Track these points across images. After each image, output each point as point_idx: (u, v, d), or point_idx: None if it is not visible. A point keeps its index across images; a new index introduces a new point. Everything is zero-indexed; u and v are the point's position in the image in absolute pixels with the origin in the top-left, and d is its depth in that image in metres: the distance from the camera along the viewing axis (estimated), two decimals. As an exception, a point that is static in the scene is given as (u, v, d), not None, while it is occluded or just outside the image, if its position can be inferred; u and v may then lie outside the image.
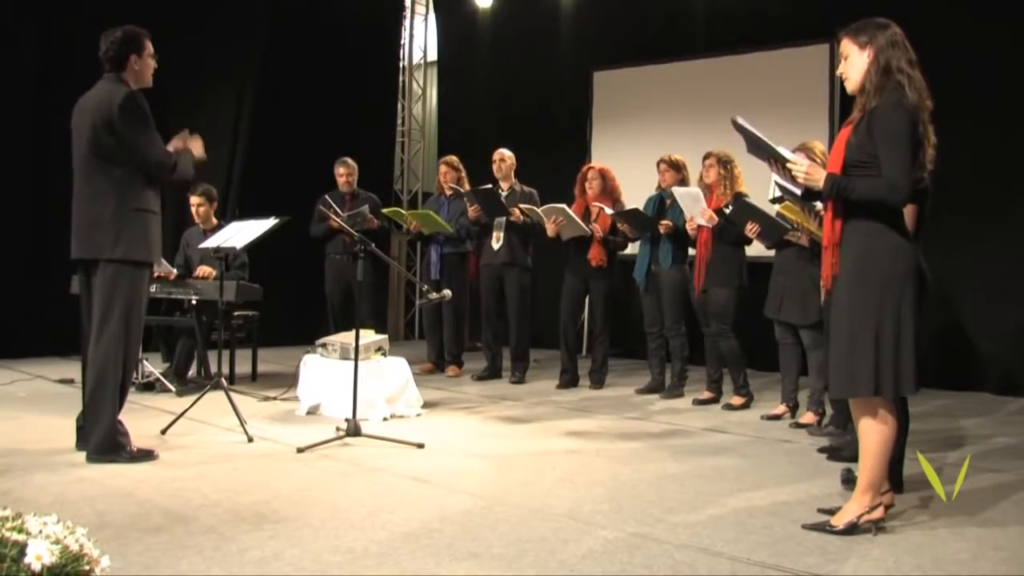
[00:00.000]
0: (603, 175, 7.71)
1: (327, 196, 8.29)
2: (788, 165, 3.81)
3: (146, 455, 4.86)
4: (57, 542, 2.05)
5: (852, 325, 3.66)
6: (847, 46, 3.78)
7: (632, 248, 7.79)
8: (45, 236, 8.51)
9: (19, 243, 8.67)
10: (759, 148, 3.91)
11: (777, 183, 4.16)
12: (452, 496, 4.30)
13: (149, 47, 5.03)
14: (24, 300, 8.60)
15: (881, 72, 3.66)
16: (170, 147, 5.03)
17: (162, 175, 4.94)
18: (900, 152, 3.57)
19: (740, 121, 3.93)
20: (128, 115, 4.79)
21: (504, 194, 8.23)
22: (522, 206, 7.85)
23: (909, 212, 4.02)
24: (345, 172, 8.61)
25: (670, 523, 3.88)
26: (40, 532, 2.06)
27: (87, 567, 2.09)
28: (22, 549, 2.00)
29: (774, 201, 5.76)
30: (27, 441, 5.25)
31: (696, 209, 6.82)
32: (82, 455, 4.82)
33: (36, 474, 4.49)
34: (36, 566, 1.98)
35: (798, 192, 3.91)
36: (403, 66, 12.86)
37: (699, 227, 6.82)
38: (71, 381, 7.31)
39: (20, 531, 2.04)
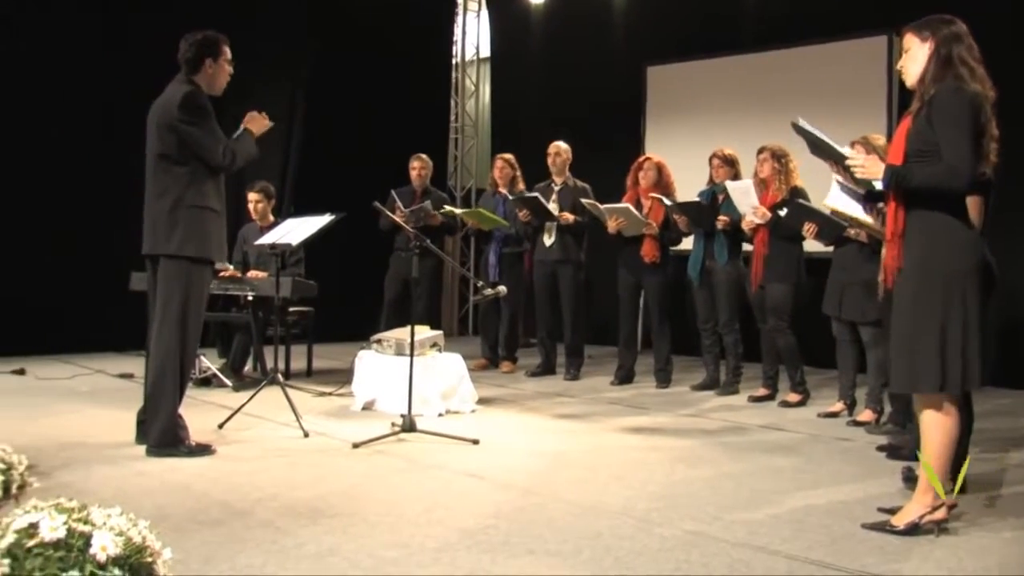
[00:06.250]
0: (659, 168, 7.64)
1: (393, 191, 8.31)
2: (847, 163, 3.75)
3: (204, 449, 4.90)
4: (121, 534, 2.07)
5: (916, 319, 3.59)
6: (909, 40, 3.73)
7: (686, 243, 7.73)
8: (106, 234, 8.62)
9: (81, 241, 8.80)
10: (820, 150, 3.86)
11: (838, 182, 4.10)
12: (507, 492, 4.30)
13: (227, 53, 5.09)
14: (85, 297, 8.73)
15: (942, 63, 3.61)
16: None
17: (224, 168, 4.97)
18: (961, 137, 3.51)
19: (801, 123, 3.88)
20: (187, 112, 4.85)
21: (557, 188, 8.21)
22: (585, 201, 7.80)
23: (974, 205, 3.95)
24: (418, 166, 8.63)
25: (726, 521, 3.84)
26: (104, 524, 2.08)
27: (150, 559, 2.10)
28: (87, 540, 2.02)
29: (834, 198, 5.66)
30: (89, 435, 5.33)
31: (747, 203, 6.76)
32: (142, 449, 4.89)
33: (97, 467, 4.56)
34: (101, 557, 2.00)
35: (861, 192, 3.86)
36: (455, 63, 12.87)
37: (756, 224, 6.75)
38: (131, 376, 7.42)
39: (85, 522, 2.06)
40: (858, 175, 3.74)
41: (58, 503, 2.14)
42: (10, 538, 2.02)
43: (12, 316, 8.24)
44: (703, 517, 3.90)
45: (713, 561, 3.33)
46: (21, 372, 7.56)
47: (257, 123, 5.19)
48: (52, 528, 2.02)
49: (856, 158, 3.74)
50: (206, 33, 5.04)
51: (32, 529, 2.03)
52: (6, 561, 1.99)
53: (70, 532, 2.03)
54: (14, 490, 2.83)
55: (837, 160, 3.81)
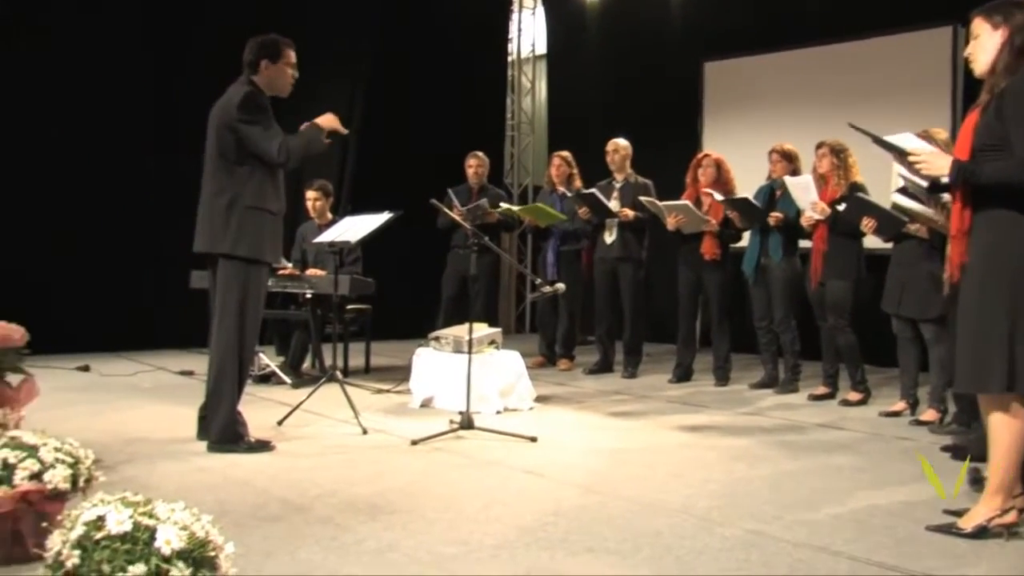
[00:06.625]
0: (718, 164, 7.56)
1: (450, 189, 8.33)
2: (910, 158, 3.67)
3: (263, 446, 4.96)
4: (185, 528, 2.10)
5: (983, 317, 3.50)
6: (979, 26, 3.59)
7: (745, 240, 7.65)
8: (166, 233, 8.74)
9: (141, 240, 8.93)
10: (880, 146, 3.79)
11: (901, 175, 4.03)
12: (566, 490, 4.29)
13: (288, 56, 5.11)
14: (146, 295, 8.87)
15: (1015, 52, 3.47)
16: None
17: (280, 164, 4.99)
18: None
19: (857, 125, 3.81)
20: (245, 111, 4.89)
21: (618, 185, 8.17)
22: (643, 199, 7.75)
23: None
24: (475, 164, 8.64)
25: (787, 521, 3.80)
26: (168, 518, 2.11)
27: (212, 553, 2.13)
28: (152, 533, 2.05)
29: (899, 191, 5.55)
30: (151, 430, 5.41)
31: (807, 199, 6.68)
32: (203, 445, 4.95)
33: (160, 462, 4.63)
34: (166, 550, 2.03)
35: (924, 184, 3.78)
36: (511, 60, 12.87)
37: (816, 221, 6.67)
38: (191, 373, 7.51)
39: (151, 516, 2.09)
40: (923, 171, 3.65)
41: (124, 497, 2.18)
42: (79, 530, 2.06)
43: (77, 314, 8.39)
44: (763, 516, 3.86)
45: (774, 561, 3.30)
46: (86, 369, 7.69)
47: (329, 120, 5.19)
48: (119, 521, 2.06)
49: (920, 153, 3.66)
50: (268, 36, 5.09)
51: (100, 522, 2.07)
52: (76, 552, 2.03)
53: (136, 526, 2.06)
54: (81, 483, 2.88)
55: (899, 153, 3.73)
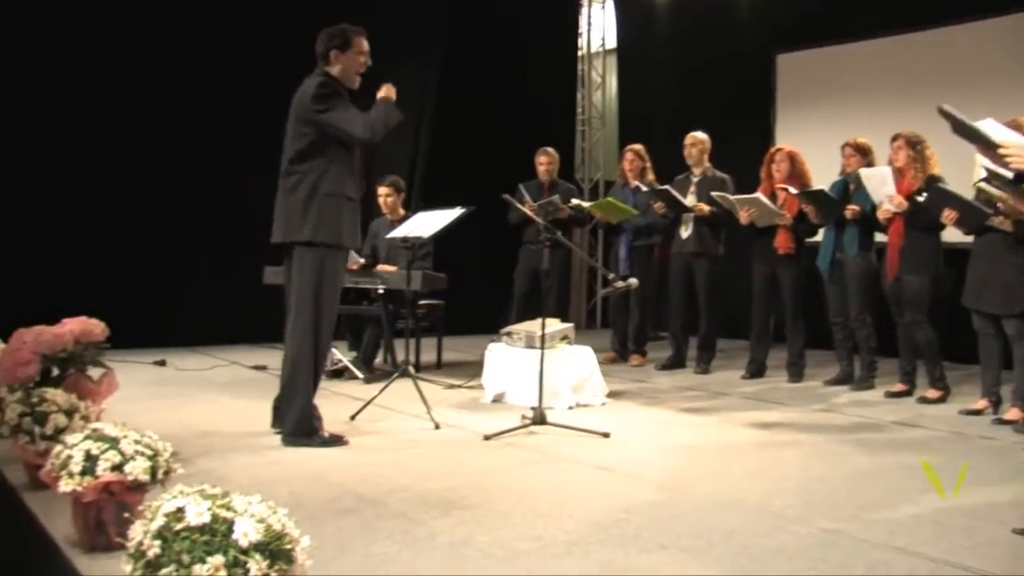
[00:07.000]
0: (792, 158, 7.44)
1: (521, 185, 8.33)
2: (1000, 151, 3.56)
3: (337, 440, 4.98)
4: (261, 521, 2.12)
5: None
6: None
7: (820, 235, 7.53)
8: (239, 229, 8.87)
9: (215, 237, 9.07)
10: (966, 134, 3.70)
11: (985, 167, 3.93)
12: (638, 486, 4.27)
13: (359, 45, 5.12)
14: (220, 291, 9.01)
15: None
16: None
17: (368, 141, 5.04)
18: None
19: (947, 108, 3.72)
20: (320, 101, 4.94)
21: (695, 179, 8.09)
22: (715, 194, 7.68)
23: None
24: (545, 160, 8.64)
25: (865, 520, 3.73)
26: (246, 511, 2.13)
27: (289, 546, 2.15)
28: (230, 526, 2.07)
29: (983, 180, 5.42)
30: (226, 423, 5.48)
31: (883, 192, 6.55)
32: (277, 438, 5.00)
33: (235, 455, 4.69)
34: (243, 542, 2.05)
35: (1010, 175, 3.68)
36: (581, 55, 12.83)
37: (892, 214, 6.55)
38: (264, 368, 7.59)
39: (228, 509, 2.11)
40: (1013, 165, 3.54)
41: (202, 489, 2.20)
42: (160, 521, 2.09)
43: (153, 310, 8.54)
44: (841, 516, 3.80)
45: (851, 561, 3.24)
46: (162, 363, 7.82)
47: (389, 90, 5.16)
48: (198, 513, 2.08)
49: (1011, 148, 3.54)
50: (339, 26, 5.12)
51: (179, 513, 2.09)
52: (157, 543, 2.06)
53: (214, 518, 2.09)
54: (160, 475, 2.92)
55: (988, 147, 3.62)
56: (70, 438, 3.00)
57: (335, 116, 4.95)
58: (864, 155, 7.04)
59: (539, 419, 5.40)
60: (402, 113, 5.18)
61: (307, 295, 4.96)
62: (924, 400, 6.59)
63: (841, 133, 7.46)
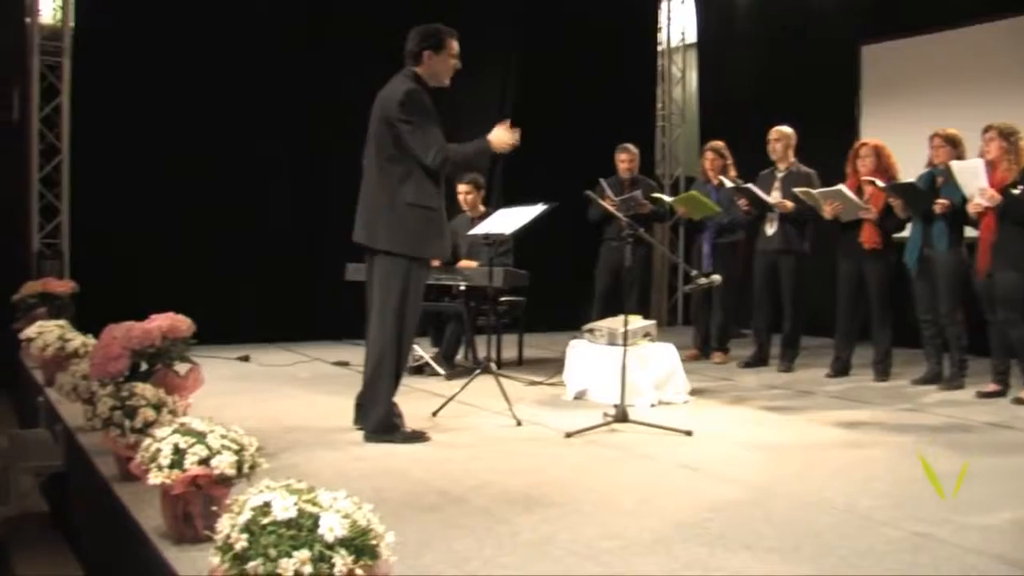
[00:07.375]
0: (877, 152, 7.27)
1: (602, 181, 8.29)
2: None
3: (419, 436, 5.00)
4: (347, 516, 2.12)
5: None
6: None
7: (907, 230, 7.35)
8: (322, 227, 8.97)
9: (298, 234, 9.18)
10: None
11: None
12: (722, 485, 4.21)
13: (451, 46, 5.12)
14: (303, 288, 9.12)
15: None
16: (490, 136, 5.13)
17: (434, 169, 4.99)
18: None
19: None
20: (406, 111, 4.93)
21: (780, 175, 7.96)
22: (797, 190, 7.54)
23: None
24: (626, 158, 8.61)
25: (957, 524, 3.61)
26: (331, 506, 2.13)
27: (374, 541, 2.14)
28: (316, 520, 2.08)
29: None
30: (309, 419, 5.54)
31: (975, 185, 6.37)
32: (359, 434, 5.03)
33: (318, 450, 4.73)
34: (329, 537, 2.05)
35: None
36: (661, 50, 12.74)
37: (984, 208, 6.36)
38: (346, 363, 7.67)
39: (314, 504, 2.12)
40: None
41: (288, 484, 2.21)
42: (247, 515, 2.10)
43: (237, 307, 8.68)
44: (931, 518, 3.68)
45: (945, 566, 3.14)
46: (246, 359, 7.95)
47: (501, 138, 5.16)
48: (284, 508, 2.09)
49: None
50: (431, 25, 5.11)
51: (266, 508, 2.10)
52: (244, 536, 2.07)
53: (300, 512, 2.09)
54: (246, 469, 2.95)
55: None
56: (159, 432, 3.04)
57: (414, 135, 4.92)
58: (954, 147, 6.84)
59: (621, 417, 5.36)
60: (485, 164, 5.13)
61: (390, 301, 4.98)
62: (1019, 401, 6.37)
63: (928, 126, 7.26)
